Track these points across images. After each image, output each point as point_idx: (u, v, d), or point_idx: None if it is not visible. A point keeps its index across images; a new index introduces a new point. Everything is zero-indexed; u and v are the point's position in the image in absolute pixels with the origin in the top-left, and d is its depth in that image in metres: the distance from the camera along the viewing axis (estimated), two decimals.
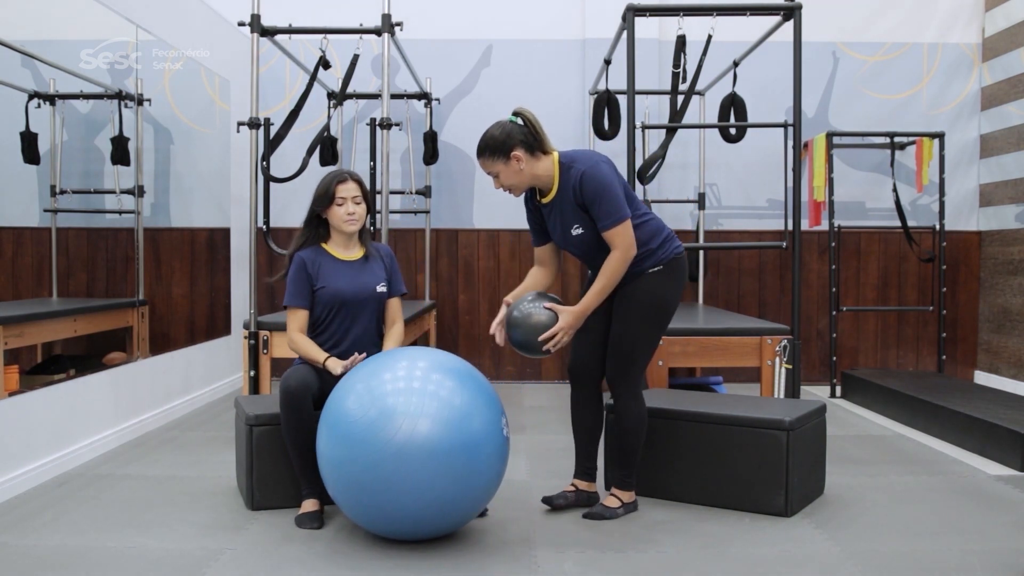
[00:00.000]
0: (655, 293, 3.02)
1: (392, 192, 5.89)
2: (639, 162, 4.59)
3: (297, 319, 3.09)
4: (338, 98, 4.75)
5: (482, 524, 2.98)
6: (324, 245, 3.16)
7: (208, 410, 5.06)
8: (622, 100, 5.05)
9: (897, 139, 5.92)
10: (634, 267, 3.00)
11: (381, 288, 3.16)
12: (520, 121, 2.96)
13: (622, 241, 2.90)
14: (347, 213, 3.08)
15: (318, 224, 3.16)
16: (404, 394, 2.62)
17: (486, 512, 3.05)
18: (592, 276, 3.14)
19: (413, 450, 2.55)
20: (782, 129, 4.74)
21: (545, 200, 3.04)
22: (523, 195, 3.12)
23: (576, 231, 2.98)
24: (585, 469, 3.23)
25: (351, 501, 2.68)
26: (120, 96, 4.69)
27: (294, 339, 3.08)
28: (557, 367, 6.15)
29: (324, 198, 3.09)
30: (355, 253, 3.19)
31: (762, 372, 4.04)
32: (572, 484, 3.24)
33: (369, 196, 3.18)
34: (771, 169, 5.90)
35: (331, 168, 5.84)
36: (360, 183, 3.12)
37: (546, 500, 3.16)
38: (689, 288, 6.26)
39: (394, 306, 3.25)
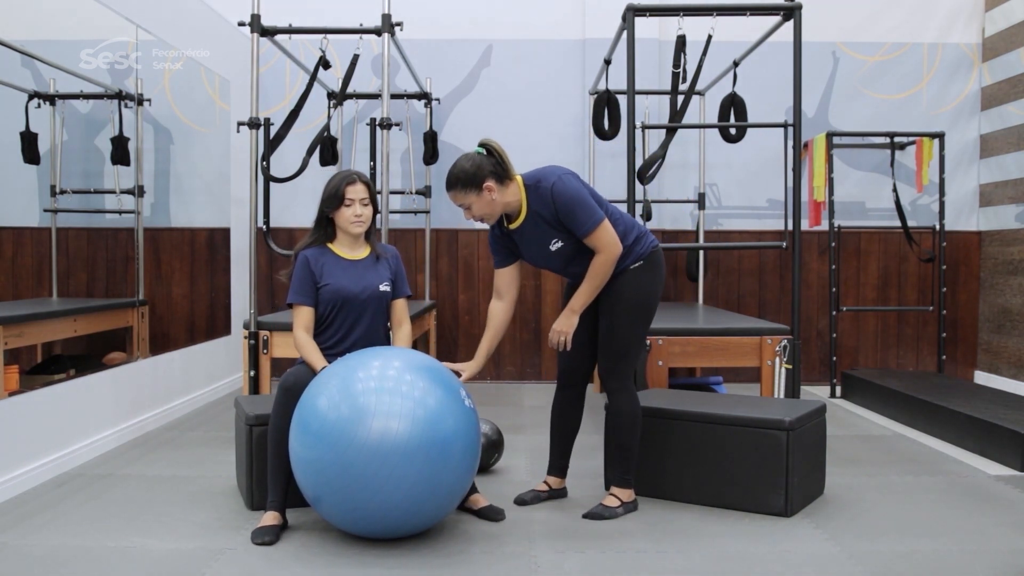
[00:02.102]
0: (639, 289, 3.10)
1: (392, 192, 5.89)
2: (639, 162, 4.58)
3: (302, 316, 3.10)
4: (338, 98, 4.75)
5: (483, 524, 2.99)
6: (330, 245, 3.18)
7: (208, 410, 5.06)
8: (622, 100, 5.04)
9: (897, 139, 5.92)
10: (622, 264, 3.07)
11: (384, 287, 3.16)
12: (486, 152, 3.02)
13: (604, 242, 2.97)
14: (354, 215, 3.10)
15: (326, 224, 3.18)
16: (376, 393, 2.62)
17: (504, 517, 3.05)
18: (571, 284, 3.21)
19: (386, 449, 2.55)
20: (782, 129, 4.73)
21: (514, 225, 3.09)
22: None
23: (555, 245, 3.05)
24: (561, 466, 3.32)
25: (324, 500, 2.68)
26: (120, 96, 4.69)
27: (298, 337, 3.07)
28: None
29: (333, 199, 3.11)
30: (360, 253, 3.20)
31: (762, 372, 4.04)
32: (545, 482, 3.31)
33: (376, 197, 3.20)
34: (771, 169, 5.90)
35: (331, 168, 5.84)
36: (368, 185, 3.14)
37: (518, 500, 3.22)
38: (689, 288, 6.26)
39: (400, 308, 3.25)
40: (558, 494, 3.28)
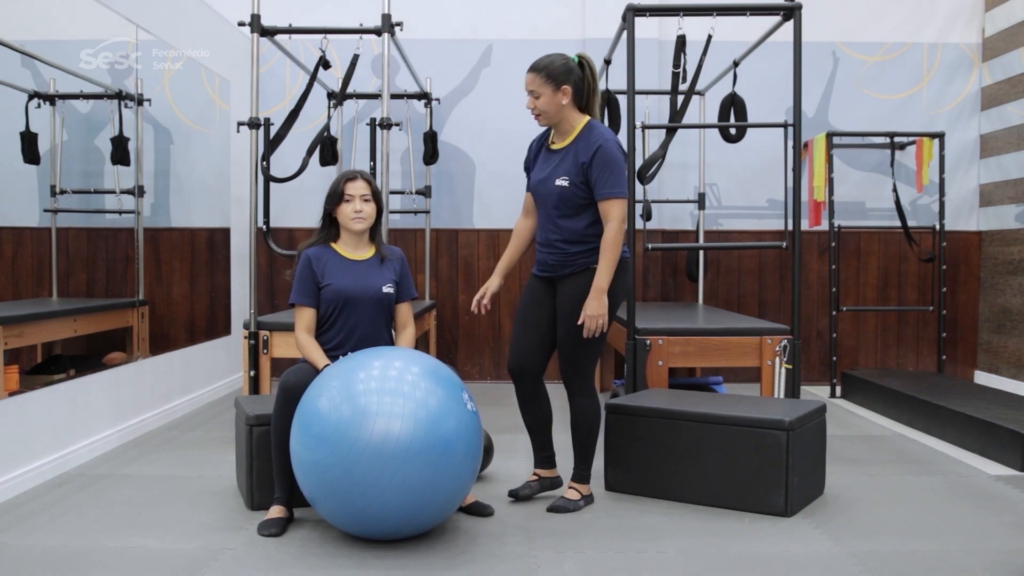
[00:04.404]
0: (610, 291, 3.10)
1: (392, 192, 5.88)
2: (639, 162, 4.58)
3: (304, 317, 3.10)
4: (338, 98, 4.75)
5: (482, 524, 2.99)
6: (333, 244, 3.18)
7: (208, 410, 5.06)
8: (622, 100, 5.04)
9: (897, 139, 5.92)
10: (585, 260, 3.10)
11: (387, 289, 3.15)
12: (578, 63, 3.09)
13: (617, 215, 3.02)
14: (354, 211, 3.10)
15: (330, 223, 3.19)
16: (377, 394, 2.62)
17: (492, 512, 3.06)
18: (542, 237, 3.22)
19: (388, 451, 2.55)
20: (782, 129, 4.73)
21: (556, 146, 3.14)
22: (533, 135, 3.27)
23: (560, 182, 3.07)
24: (544, 458, 3.32)
25: (324, 502, 2.68)
26: (120, 96, 4.69)
27: (299, 338, 3.08)
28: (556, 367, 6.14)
29: (334, 196, 3.12)
30: (364, 253, 3.19)
31: (762, 372, 4.03)
32: (534, 474, 3.32)
33: (380, 196, 3.19)
34: (771, 169, 5.90)
35: (331, 168, 5.85)
36: (370, 182, 3.14)
37: (512, 493, 3.24)
38: (689, 288, 6.26)
39: (404, 311, 3.25)
40: (552, 483, 3.29)
